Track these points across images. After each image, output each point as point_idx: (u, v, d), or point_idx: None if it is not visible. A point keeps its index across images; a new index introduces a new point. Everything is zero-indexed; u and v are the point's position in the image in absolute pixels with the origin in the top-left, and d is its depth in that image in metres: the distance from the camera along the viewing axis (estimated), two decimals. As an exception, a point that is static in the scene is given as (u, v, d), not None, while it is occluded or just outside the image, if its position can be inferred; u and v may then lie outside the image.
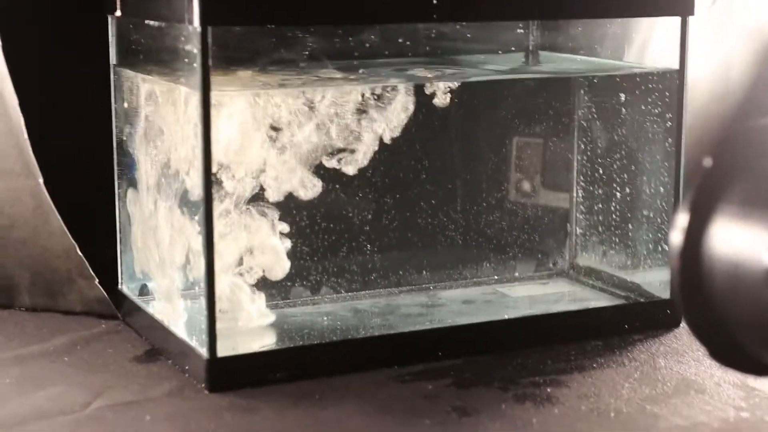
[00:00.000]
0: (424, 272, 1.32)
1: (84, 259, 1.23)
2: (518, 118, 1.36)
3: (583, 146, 1.36)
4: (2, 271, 1.29)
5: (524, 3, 1.17)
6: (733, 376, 1.09)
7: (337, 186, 1.24)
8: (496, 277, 1.36)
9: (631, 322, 1.23)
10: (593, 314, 1.24)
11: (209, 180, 1.05)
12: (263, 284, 1.19)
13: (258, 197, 1.18)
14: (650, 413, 1.02)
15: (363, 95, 1.21)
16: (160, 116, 1.16)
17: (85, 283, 1.25)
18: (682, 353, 1.16)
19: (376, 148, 1.23)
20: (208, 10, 1.03)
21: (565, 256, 1.39)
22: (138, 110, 1.19)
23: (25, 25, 1.25)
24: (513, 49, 1.37)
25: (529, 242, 1.38)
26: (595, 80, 1.34)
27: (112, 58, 1.23)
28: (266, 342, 1.15)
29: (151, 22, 1.15)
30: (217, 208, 1.13)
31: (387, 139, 1.23)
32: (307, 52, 1.23)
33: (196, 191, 1.09)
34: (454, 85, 1.25)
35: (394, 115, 1.23)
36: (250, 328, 1.17)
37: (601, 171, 1.34)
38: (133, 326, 1.23)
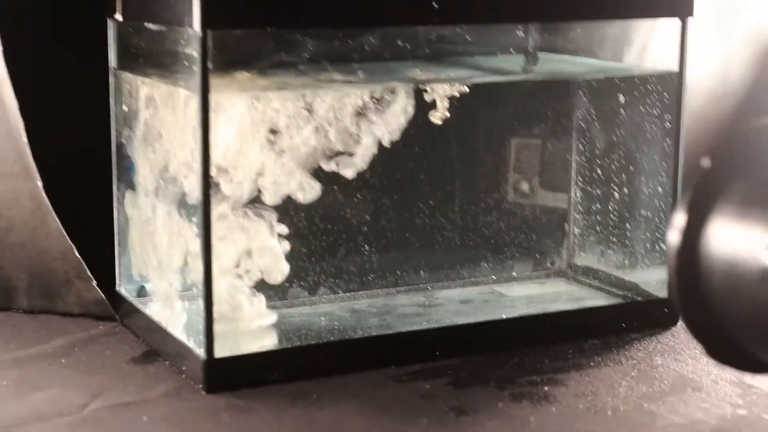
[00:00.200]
0: (422, 272, 1.32)
1: (82, 260, 1.24)
2: (517, 119, 1.36)
3: (581, 147, 1.36)
4: (0, 273, 1.29)
5: (524, 5, 1.18)
6: (730, 373, 1.09)
7: (335, 187, 1.25)
8: (493, 276, 1.36)
9: (628, 321, 1.23)
10: (591, 313, 1.24)
11: (207, 182, 1.06)
12: (261, 285, 1.19)
13: (256, 200, 1.18)
14: (647, 411, 1.02)
15: (363, 100, 1.21)
16: (160, 119, 1.16)
17: (82, 284, 1.25)
18: (679, 351, 1.17)
19: (375, 151, 1.23)
20: (208, 13, 1.03)
21: (563, 256, 1.39)
22: (137, 113, 1.19)
23: (25, 27, 1.25)
24: (512, 51, 1.37)
25: (527, 242, 1.38)
26: (594, 82, 1.34)
27: (112, 61, 1.23)
28: (264, 343, 1.15)
29: (151, 26, 1.15)
30: (215, 211, 1.13)
31: (386, 143, 1.23)
32: (306, 55, 1.23)
33: (195, 193, 1.09)
34: (457, 94, 1.26)
35: (394, 118, 1.23)
36: (250, 329, 1.17)
37: (599, 172, 1.34)
38: (131, 328, 1.23)
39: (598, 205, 1.34)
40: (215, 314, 1.08)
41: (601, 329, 1.22)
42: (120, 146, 1.23)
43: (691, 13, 1.22)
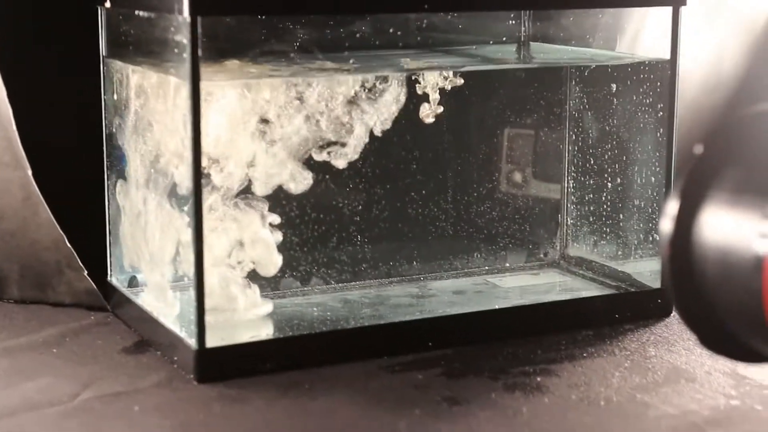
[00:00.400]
0: (415, 263, 1.32)
1: (73, 250, 1.23)
2: (509, 108, 1.36)
3: (574, 136, 1.35)
4: (-9, 263, 1.28)
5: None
6: (724, 364, 1.09)
7: (327, 176, 1.24)
8: (486, 267, 1.35)
9: (621, 312, 1.23)
10: (584, 304, 1.24)
11: (198, 171, 1.05)
12: (253, 275, 1.19)
13: (247, 190, 1.18)
14: (641, 402, 1.02)
15: (355, 89, 1.20)
16: (150, 107, 1.15)
17: (74, 274, 1.25)
18: (672, 342, 1.16)
19: (367, 140, 1.23)
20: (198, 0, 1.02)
21: (556, 247, 1.38)
22: (128, 101, 1.19)
23: (13, 16, 1.25)
24: (505, 39, 1.36)
25: (520, 233, 1.37)
26: (586, 71, 1.34)
27: (102, 49, 1.22)
28: (256, 333, 1.15)
29: (141, 13, 1.14)
30: (206, 201, 1.13)
31: (378, 132, 1.23)
32: (297, 43, 1.23)
33: (186, 182, 1.09)
34: (448, 87, 1.25)
35: (386, 108, 1.22)
36: (243, 319, 1.16)
37: (592, 161, 1.33)
38: (123, 318, 1.22)
39: (591, 195, 1.34)
40: (210, 306, 1.08)
41: (595, 320, 1.22)
42: (111, 135, 1.23)
43: (683, 2, 1.21)
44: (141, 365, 1.10)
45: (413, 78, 1.24)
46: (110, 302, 1.25)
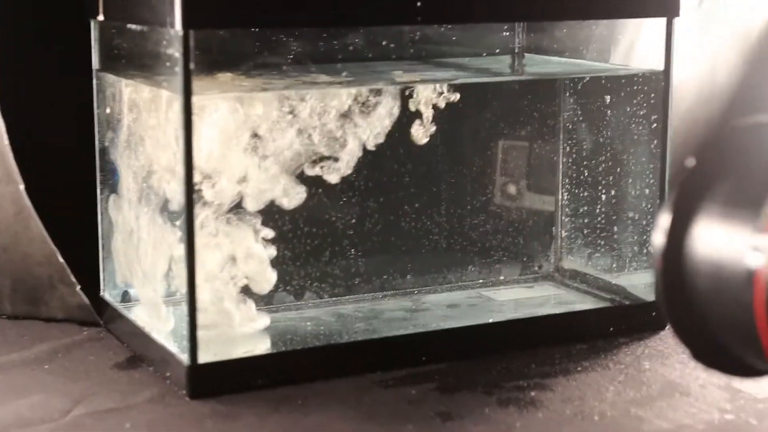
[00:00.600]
0: (408, 276, 1.32)
1: (65, 265, 1.23)
2: (503, 120, 1.36)
3: (568, 148, 1.35)
4: (-17, 278, 1.28)
5: (509, 5, 1.17)
6: (718, 378, 1.08)
7: (320, 190, 1.24)
8: (480, 280, 1.35)
9: (616, 325, 1.22)
10: (578, 317, 1.23)
11: (191, 186, 1.05)
12: (247, 289, 1.18)
13: (239, 206, 1.17)
14: (635, 416, 1.01)
15: (348, 103, 1.20)
16: (142, 121, 1.15)
17: (66, 289, 1.24)
18: (667, 356, 1.16)
19: (360, 154, 1.22)
20: (190, 13, 1.02)
21: (551, 260, 1.38)
22: (120, 115, 1.18)
23: (6, 28, 1.25)
24: (498, 51, 1.36)
25: (514, 246, 1.37)
26: (580, 83, 1.33)
27: (95, 63, 1.22)
28: (248, 348, 1.14)
29: (134, 26, 1.14)
30: (199, 217, 1.12)
31: (371, 146, 1.22)
32: (290, 56, 1.23)
33: (178, 197, 1.08)
34: (441, 104, 1.25)
35: (379, 121, 1.22)
36: (235, 334, 1.16)
37: (586, 173, 1.33)
38: (115, 333, 1.22)
39: (585, 207, 1.33)
40: (205, 322, 1.07)
41: (589, 333, 1.21)
42: (104, 150, 1.22)
43: (677, 14, 1.21)
44: (133, 381, 1.10)
45: (406, 93, 1.23)
46: (103, 317, 1.24)
